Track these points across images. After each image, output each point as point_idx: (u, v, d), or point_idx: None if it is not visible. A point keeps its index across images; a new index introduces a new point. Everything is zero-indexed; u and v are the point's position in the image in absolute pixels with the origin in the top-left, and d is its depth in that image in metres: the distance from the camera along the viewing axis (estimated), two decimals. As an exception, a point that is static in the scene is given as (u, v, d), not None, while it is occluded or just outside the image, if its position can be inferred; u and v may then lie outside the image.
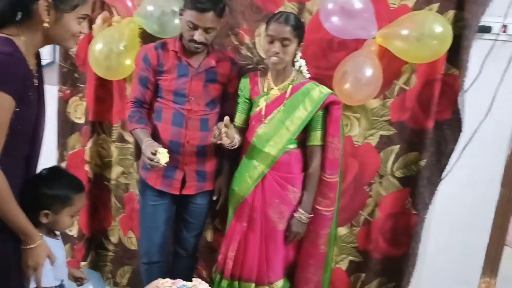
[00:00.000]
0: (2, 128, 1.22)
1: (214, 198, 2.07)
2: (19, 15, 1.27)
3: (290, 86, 1.88)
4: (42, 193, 1.44)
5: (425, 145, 2.00)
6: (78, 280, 1.65)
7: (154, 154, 1.72)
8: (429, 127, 1.97)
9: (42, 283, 1.38)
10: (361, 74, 1.87)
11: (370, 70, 1.86)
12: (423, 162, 2.01)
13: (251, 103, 1.98)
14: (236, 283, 2.01)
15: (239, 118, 2.00)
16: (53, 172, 1.55)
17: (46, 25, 1.27)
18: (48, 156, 2.48)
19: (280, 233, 1.95)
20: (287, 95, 1.88)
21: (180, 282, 1.68)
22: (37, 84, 1.37)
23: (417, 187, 2.04)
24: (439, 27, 1.80)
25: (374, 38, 1.90)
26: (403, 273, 2.11)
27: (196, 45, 1.83)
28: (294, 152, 1.92)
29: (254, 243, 1.96)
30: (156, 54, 1.91)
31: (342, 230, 2.18)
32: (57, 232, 1.56)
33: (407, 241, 2.09)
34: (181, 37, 1.90)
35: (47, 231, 1.49)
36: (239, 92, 1.98)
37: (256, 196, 1.94)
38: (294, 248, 2.03)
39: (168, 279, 1.70)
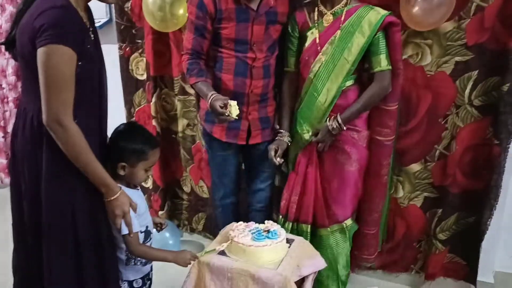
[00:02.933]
0: (68, 80, 1.25)
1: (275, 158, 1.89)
2: None
3: (345, 10, 1.77)
4: (120, 147, 1.50)
5: (508, 67, 1.81)
6: (158, 226, 1.73)
7: (222, 107, 1.66)
8: (512, 47, 1.77)
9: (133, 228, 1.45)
10: (432, -6, 1.69)
11: (441, -11, 1.68)
12: (505, 87, 1.83)
13: (300, 40, 1.88)
14: (295, 224, 2.01)
15: (291, 61, 1.91)
16: (130, 127, 1.62)
17: None
18: (117, 114, 2.59)
19: (349, 173, 1.90)
20: (342, 18, 1.76)
21: (253, 224, 1.72)
22: (93, 38, 1.38)
23: (499, 115, 1.88)
24: None
25: (444, -50, 1.70)
26: (484, 207, 2.00)
27: None
28: (351, 90, 1.83)
29: (311, 185, 1.93)
30: None
31: (416, 167, 2.09)
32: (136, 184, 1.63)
33: (488, 173, 1.97)
34: None
35: (126, 183, 1.56)
36: (288, 34, 1.88)
37: None
38: (362, 188, 1.99)
39: (241, 222, 1.75)
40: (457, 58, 1.88)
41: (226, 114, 1.66)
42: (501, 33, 1.79)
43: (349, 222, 1.98)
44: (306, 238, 1.93)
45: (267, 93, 1.92)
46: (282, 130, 1.94)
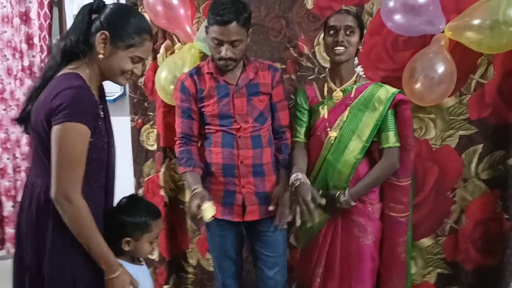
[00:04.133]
0: (82, 157, 1.29)
1: (271, 208, 1.81)
2: (83, 49, 1.35)
3: (354, 87, 1.80)
4: (123, 221, 1.49)
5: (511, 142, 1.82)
6: None
7: (200, 206, 1.60)
8: (514, 122, 1.80)
9: None
10: (432, 72, 1.75)
11: (442, 67, 1.75)
12: (511, 161, 1.83)
13: (311, 113, 1.90)
14: None
15: (301, 132, 1.90)
16: (131, 200, 1.60)
17: (100, 56, 1.34)
18: (126, 184, 2.61)
19: (365, 247, 1.84)
20: (352, 95, 1.79)
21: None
22: (103, 115, 1.43)
23: (507, 189, 1.86)
24: (515, 12, 1.65)
25: (442, 32, 1.79)
26: (499, 284, 1.91)
27: (226, 62, 1.73)
28: (362, 162, 1.81)
29: (335, 260, 1.87)
30: (192, 81, 1.83)
31: (427, 241, 2.04)
32: (141, 258, 1.61)
33: (501, 248, 1.91)
34: (213, 57, 1.82)
35: (131, 258, 1.54)
36: (297, 106, 1.90)
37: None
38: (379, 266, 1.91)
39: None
40: (461, 132, 1.91)
41: (198, 217, 1.59)
42: (501, 108, 1.83)
43: None
44: None
45: (261, 165, 1.85)
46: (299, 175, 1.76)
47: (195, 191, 1.68)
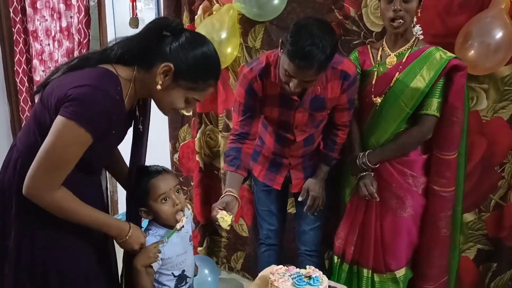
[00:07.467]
0: (71, 160, 1.18)
1: (300, 199, 1.92)
2: (142, 63, 1.24)
3: (408, 53, 1.71)
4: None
5: None
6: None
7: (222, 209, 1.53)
8: None
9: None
10: (489, 38, 1.63)
11: (500, 33, 1.62)
12: None
13: (362, 77, 1.83)
14: (355, 267, 1.96)
15: (356, 98, 1.84)
16: (135, 176, 1.49)
17: (158, 87, 1.22)
18: (162, 149, 2.64)
19: (402, 220, 1.82)
20: (403, 60, 1.71)
21: (294, 269, 1.65)
22: (127, 123, 1.36)
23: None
24: None
25: (504, -6, 1.65)
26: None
27: (293, 92, 1.58)
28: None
29: (370, 229, 1.87)
30: (261, 84, 1.70)
31: (469, 216, 1.97)
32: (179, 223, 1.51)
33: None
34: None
35: (163, 225, 1.50)
36: None
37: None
38: (418, 236, 1.89)
39: (281, 266, 1.68)
40: (515, 104, 1.80)
41: (217, 223, 1.52)
42: None
43: (402, 272, 1.89)
44: (366, 285, 1.88)
45: (311, 152, 1.91)
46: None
47: (223, 196, 1.62)
